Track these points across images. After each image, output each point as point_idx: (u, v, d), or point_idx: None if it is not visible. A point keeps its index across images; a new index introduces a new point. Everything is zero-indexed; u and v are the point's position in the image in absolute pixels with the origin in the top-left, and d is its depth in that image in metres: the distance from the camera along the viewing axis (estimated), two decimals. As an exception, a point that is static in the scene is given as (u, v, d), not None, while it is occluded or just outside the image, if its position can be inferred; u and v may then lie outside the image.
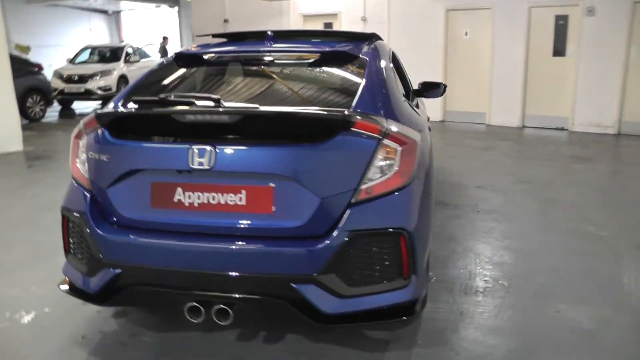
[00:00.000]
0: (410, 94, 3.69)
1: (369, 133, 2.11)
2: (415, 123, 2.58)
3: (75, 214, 2.38)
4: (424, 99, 5.25)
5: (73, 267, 2.48)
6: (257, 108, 2.20)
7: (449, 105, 9.92)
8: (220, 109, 2.14)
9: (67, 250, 2.53)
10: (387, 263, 2.14)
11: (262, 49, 2.84)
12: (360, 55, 2.72)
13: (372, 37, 3.34)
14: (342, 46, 2.78)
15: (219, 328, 2.65)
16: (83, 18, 19.57)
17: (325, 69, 2.69)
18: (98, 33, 20.10)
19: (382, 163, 2.13)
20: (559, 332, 2.65)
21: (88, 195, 2.35)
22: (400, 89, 2.82)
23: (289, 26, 12.04)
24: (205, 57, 2.85)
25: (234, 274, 2.11)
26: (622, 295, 3.04)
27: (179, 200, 2.20)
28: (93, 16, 20.29)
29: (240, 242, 2.12)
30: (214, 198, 2.16)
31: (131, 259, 2.24)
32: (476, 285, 3.18)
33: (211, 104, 2.22)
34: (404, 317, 2.21)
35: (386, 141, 2.14)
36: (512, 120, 9.17)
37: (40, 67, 10.68)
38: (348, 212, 2.08)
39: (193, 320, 2.23)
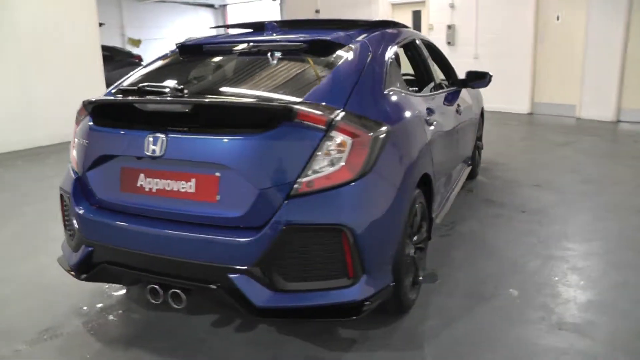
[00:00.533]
0: (432, 85, 3.49)
1: (313, 124, 2.04)
2: (393, 116, 2.44)
3: (65, 193, 2.58)
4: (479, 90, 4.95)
5: (66, 242, 2.70)
6: (203, 98, 2.21)
7: (537, 97, 9.19)
8: (169, 99, 2.19)
9: (64, 227, 2.76)
10: (327, 260, 2.06)
11: (251, 40, 2.84)
12: (348, 45, 2.61)
13: (384, 25, 3.19)
14: (331, 36, 2.68)
15: (201, 312, 2.75)
16: (190, 12, 20.87)
17: (306, 58, 2.62)
18: (205, 26, 21.31)
19: (328, 155, 2.05)
20: (551, 353, 2.36)
21: (74, 176, 2.54)
22: (389, 80, 2.63)
23: (377, 15, 11.92)
24: (200, 48, 2.92)
25: (180, 259, 2.16)
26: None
27: (141, 186, 2.29)
28: (200, 10, 21.55)
29: (187, 229, 2.17)
30: (169, 185, 2.22)
31: (102, 238, 2.38)
32: (481, 292, 2.94)
33: (174, 93, 2.27)
34: (352, 318, 2.11)
35: (334, 133, 2.05)
36: (605, 113, 8.25)
37: (140, 59, 11.63)
38: (285, 204, 2.02)
39: (153, 302, 2.32)
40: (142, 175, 2.29)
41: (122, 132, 2.36)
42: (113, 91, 2.68)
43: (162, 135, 2.18)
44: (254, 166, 2.05)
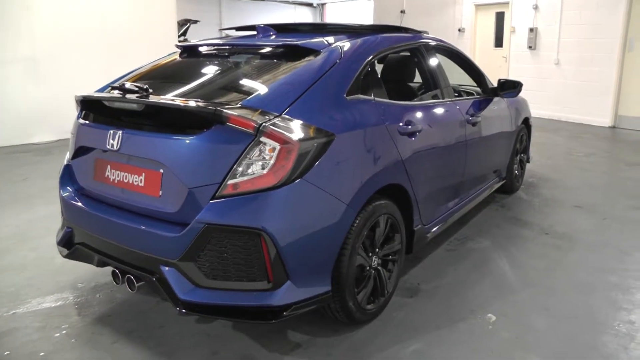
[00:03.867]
0: (434, 94, 3.36)
1: (242, 129, 2.09)
2: (344, 124, 2.41)
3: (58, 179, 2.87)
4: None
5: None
6: (147, 99, 2.31)
7: (622, 109, 8.37)
8: (120, 97, 2.36)
9: (63, 210, 3.06)
10: (246, 262, 2.11)
11: (231, 44, 2.94)
12: (318, 50, 2.61)
13: (380, 30, 3.13)
14: (302, 41, 2.69)
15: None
16: (289, 10, 21.48)
17: (272, 63, 2.66)
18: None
19: (256, 160, 2.09)
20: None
21: (64, 164, 2.82)
22: (356, 87, 2.59)
23: (460, 16, 11.58)
24: (192, 49, 3.08)
25: (129, 248, 2.32)
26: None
27: (108, 176, 2.49)
28: (298, 8, 22.10)
29: (135, 220, 2.32)
30: (126, 177, 2.40)
31: (76, 221, 2.63)
32: (455, 312, 2.81)
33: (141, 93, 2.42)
34: (272, 321, 2.15)
35: (263, 138, 2.09)
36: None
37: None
38: (209, 204, 2.10)
39: (115, 283, 2.51)
40: (109, 167, 2.49)
41: (95, 126, 2.58)
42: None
43: (119, 131, 2.36)
44: (185, 165, 2.15)
